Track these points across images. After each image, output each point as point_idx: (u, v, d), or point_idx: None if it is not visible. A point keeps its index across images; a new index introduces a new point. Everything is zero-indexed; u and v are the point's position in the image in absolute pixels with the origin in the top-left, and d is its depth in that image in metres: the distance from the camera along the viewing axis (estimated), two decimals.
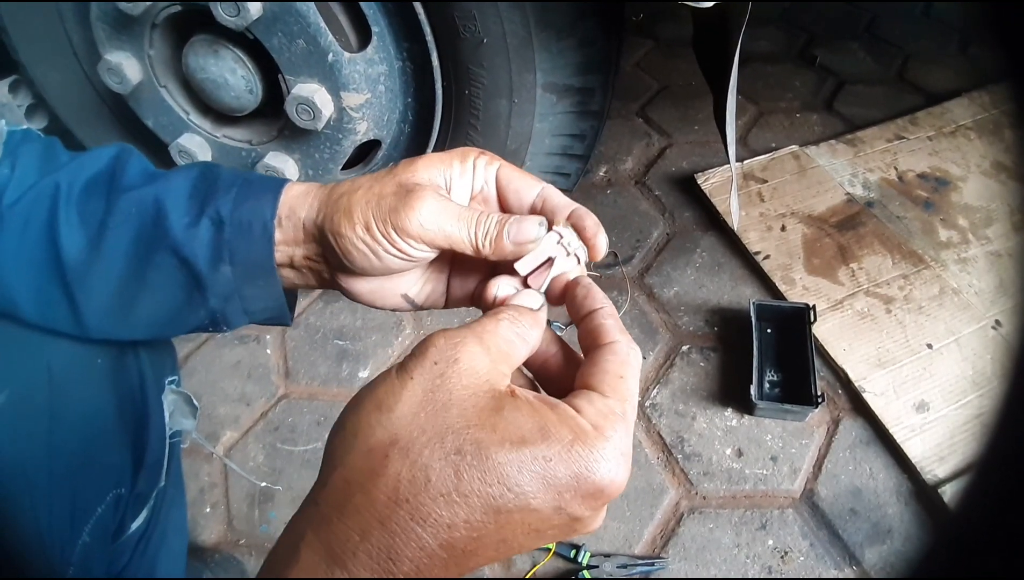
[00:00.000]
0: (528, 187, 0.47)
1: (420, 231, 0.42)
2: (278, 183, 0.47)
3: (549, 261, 0.44)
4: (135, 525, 0.60)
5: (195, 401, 0.62)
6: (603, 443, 0.33)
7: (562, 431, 0.33)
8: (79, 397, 0.53)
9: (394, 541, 0.31)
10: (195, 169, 0.49)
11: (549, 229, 0.45)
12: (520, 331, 0.39)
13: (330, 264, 0.47)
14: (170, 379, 0.63)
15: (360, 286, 0.48)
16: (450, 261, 0.51)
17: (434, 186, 0.45)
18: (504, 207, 0.48)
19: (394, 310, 0.51)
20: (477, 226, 0.43)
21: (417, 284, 0.50)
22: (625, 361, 0.38)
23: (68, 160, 0.49)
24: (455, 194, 0.46)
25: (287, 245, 0.47)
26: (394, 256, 0.44)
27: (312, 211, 0.46)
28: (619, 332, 0.40)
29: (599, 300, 0.42)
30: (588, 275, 0.46)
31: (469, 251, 0.43)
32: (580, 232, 0.45)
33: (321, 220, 0.45)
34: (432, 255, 0.45)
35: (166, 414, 0.61)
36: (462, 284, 0.51)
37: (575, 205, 0.46)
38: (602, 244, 0.45)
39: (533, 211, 0.47)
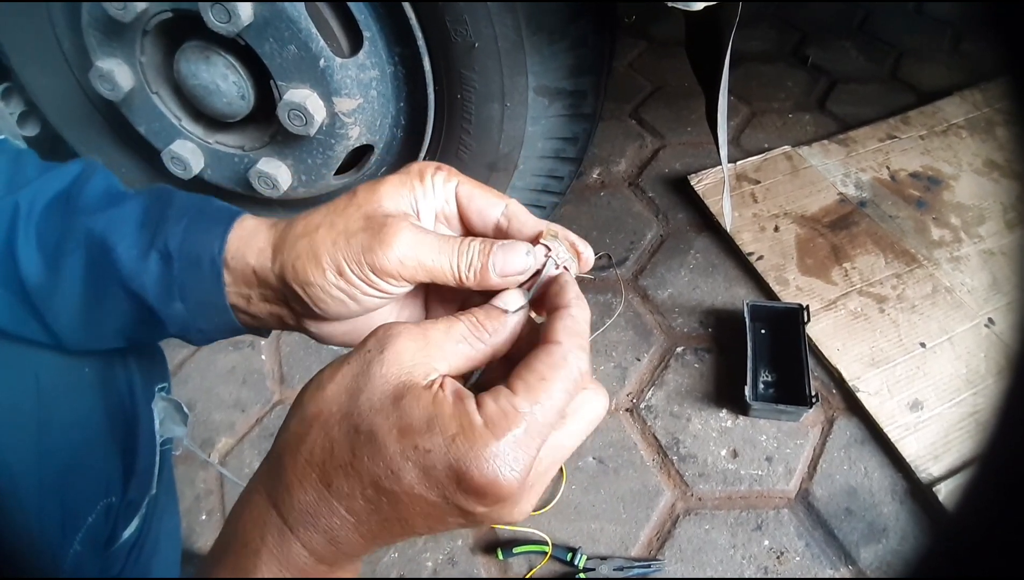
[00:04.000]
0: (491, 205, 0.44)
1: (399, 268, 0.40)
2: (229, 216, 0.45)
3: (538, 273, 0.43)
4: (127, 533, 0.60)
5: (185, 408, 0.62)
6: (487, 440, 0.32)
7: (449, 424, 0.33)
8: (68, 406, 0.53)
9: (307, 497, 0.35)
10: (150, 195, 0.47)
11: (536, 242, 0.43)
12: (479, 335, 0.38)
13: (294, 311, 0.45)
14: (160, 386, 0.63)
15: (333, 329, 0.46)
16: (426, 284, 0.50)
17: (404, 215, 0.42)
18: (467, 227, 0.46)
19: None
20: (459, 257, 0.41)
21: (393, 313, 0.48)
22: (556, 364, 0.35)
23: (35, 176, 0.48)
24: (423, 219, 0.44)
25: (238, 286, 0.45)
26: (372, 297, 0.42)
27: (264, 258, 0.43)
28: (566, 334, 0.37)
29: (566, 298, 0.40)
30: (582, 277, 0.46)
31: (452, 283, 0.41)
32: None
33: (279, 269, 0.42)
34: (409, 288, 0.43)
35: (156, 421, 0.61)
36: (441, 304, 0.49)
37: (544, 223, 0.44)
38: (589, 256, 0.44)
39: (498, 230, 0.45)
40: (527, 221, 0.44)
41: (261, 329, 0.51)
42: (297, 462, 0.35)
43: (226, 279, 0.44)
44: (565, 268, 0.43)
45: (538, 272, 0.43)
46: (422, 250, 0.40)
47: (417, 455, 0.33)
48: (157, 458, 0.62)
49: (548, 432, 0.35)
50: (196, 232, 0.44)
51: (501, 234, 0.45)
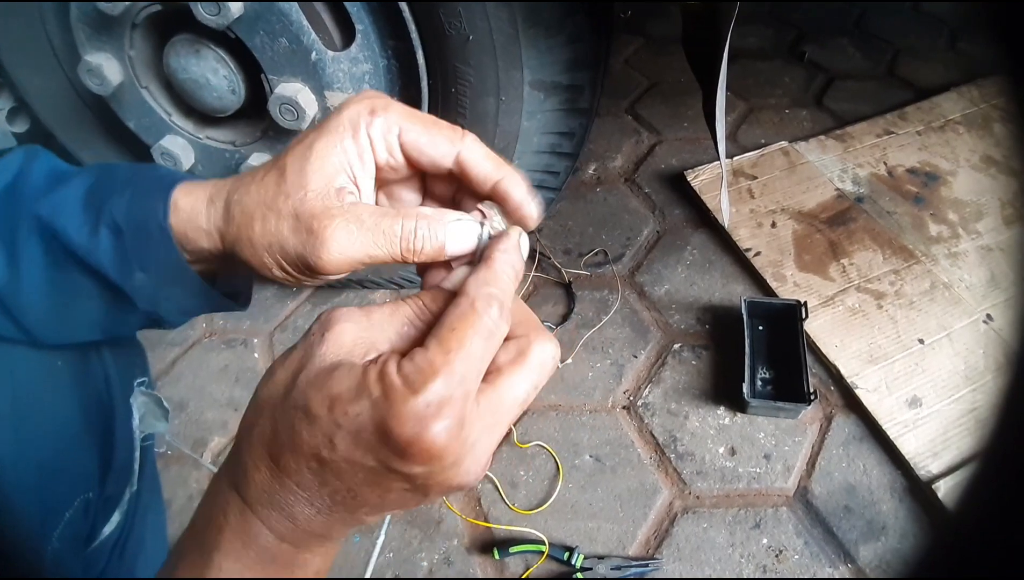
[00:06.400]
0: (442, 155, 0.42)
1: (337, 268, 0.40)
2: (168, 182, 0.44)
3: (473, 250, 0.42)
4: (107, 530, 0.59)
5: (165, 403, 0.61)
6: (406, 397, 0.32)
7: (373, 389, 0.33)
8: (43, 402, 0.52)
9: (261, 476, 0.36)
10: (93, 171, 0.47)
11: (473, 208, 0.42)
12: (424, 318, 0.38)
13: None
14: (139, 381, 0.62)
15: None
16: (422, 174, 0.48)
17: (335, 197, 0.40)
18: (417, 170, 0.44)
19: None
20: (403, 246, 0.40)
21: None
22: (464, 313, 0.35)
23: None
24: (361, 181, 0.42)
25: (201, 265, 0.45)
26: (319, 284, 0.43)
27: (215, 241, 0.43)
28: (475, 284, 0.37)
29: (487, 253, 0.39)
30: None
31: (391, 262, 0.41)
32: (504, 204, 0.42)
33: (231, 250, 0.43)
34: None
35: (136, 417, 0.60)
36: (437, 197, 0.49)
37: (500, 173, 0.42)
38: (531, 215, 0.42)
39: (452, 176, 0.43)
40: (481, 171, 0.42)
41: (236, 297, 0.51)
42: (251, 445, 0.36)
43: (186, 257, 0.45)
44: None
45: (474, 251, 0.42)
46: (356, 249, 0.40)
47: (347, 421, 0.33)
48: (137, 453, 0.61)
49: (471, 382, 0.34)
50: (139, 203, 0.44)
51: (454, 181, 0.44)
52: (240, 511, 0.36)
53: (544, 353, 0.37)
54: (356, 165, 0.41)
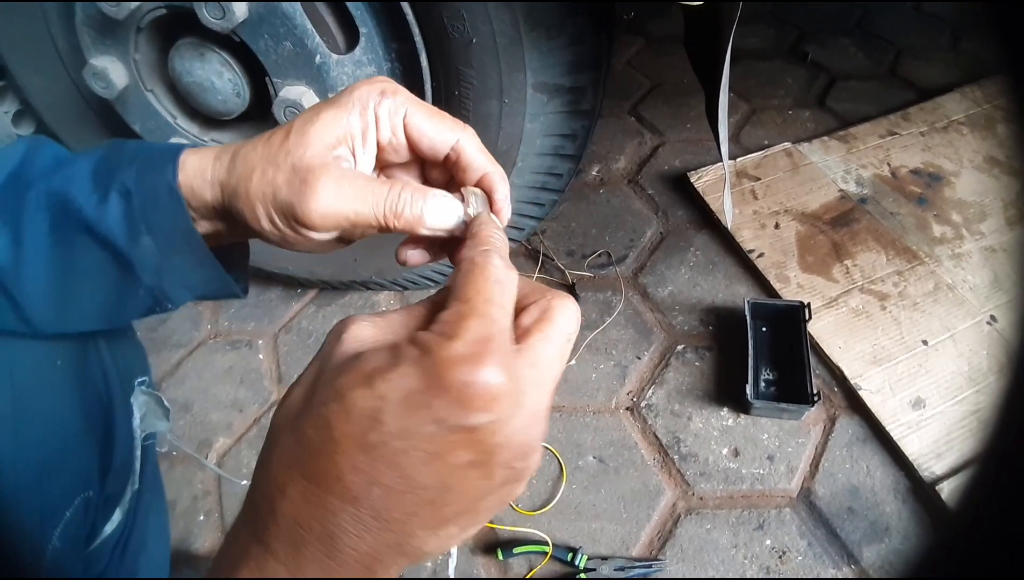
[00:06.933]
0: (442, 141, 0.45)
1: (322, 222, 0.42)
2: (176, 149, 0.46)
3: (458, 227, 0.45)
4: (109, 529, 0.59)
5: (166, 402, 0.61)
6: (448, 344, 0.30)
7: (410, 351, 0.31)
8: (42, 401, 0.52)
9: (293, 506, 0.31)
10: (101, 148, 0.48)
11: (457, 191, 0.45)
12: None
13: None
14: (140, 380, 0.62)
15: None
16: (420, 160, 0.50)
17: (332, 161, 0.42)
18: (416, 154, 0.47)
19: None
20: (386, 208, 0.42)
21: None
22: (467, 269, 0.35)
23: None
24: (360, 156, 0.44)
25: (206, 224, 0.47)
26: (305, 243, 0.44)
27: (217, 194, 0.45)
28: (470, 249, 0.37)
29: (472, 230, 0.41)
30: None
31: (376, 227, 0.43)
32: (488, 196, 0.45)
33: (227, 203, 0.45)
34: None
35: (136, 416, 0.60)
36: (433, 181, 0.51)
37: (490, 167, 0.45)
38: (505, 215, 0.45)
39: (447, 163, 0.46)
40: (474, 162, 0.45)
41: (248, 259, 0.53)
42: (272, 474, 0.32)
43: (192, 216, 0.46)
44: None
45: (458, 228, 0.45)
46: (343, 205, 0.42)
47: (391, 389, 0.30)
48: (138, 452, 0.61)
49: (502, 323, 0.32)
50: (148, 167, 0.46)
51: (448, 165, 0.46)
52: (259, 565, 0.31)
53: (565, 308, 0.36)
54: (358, 140, 0.44)
